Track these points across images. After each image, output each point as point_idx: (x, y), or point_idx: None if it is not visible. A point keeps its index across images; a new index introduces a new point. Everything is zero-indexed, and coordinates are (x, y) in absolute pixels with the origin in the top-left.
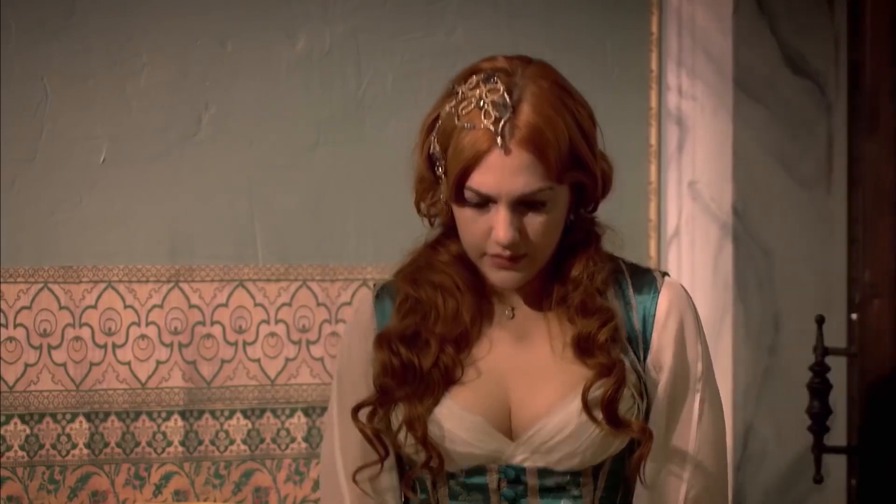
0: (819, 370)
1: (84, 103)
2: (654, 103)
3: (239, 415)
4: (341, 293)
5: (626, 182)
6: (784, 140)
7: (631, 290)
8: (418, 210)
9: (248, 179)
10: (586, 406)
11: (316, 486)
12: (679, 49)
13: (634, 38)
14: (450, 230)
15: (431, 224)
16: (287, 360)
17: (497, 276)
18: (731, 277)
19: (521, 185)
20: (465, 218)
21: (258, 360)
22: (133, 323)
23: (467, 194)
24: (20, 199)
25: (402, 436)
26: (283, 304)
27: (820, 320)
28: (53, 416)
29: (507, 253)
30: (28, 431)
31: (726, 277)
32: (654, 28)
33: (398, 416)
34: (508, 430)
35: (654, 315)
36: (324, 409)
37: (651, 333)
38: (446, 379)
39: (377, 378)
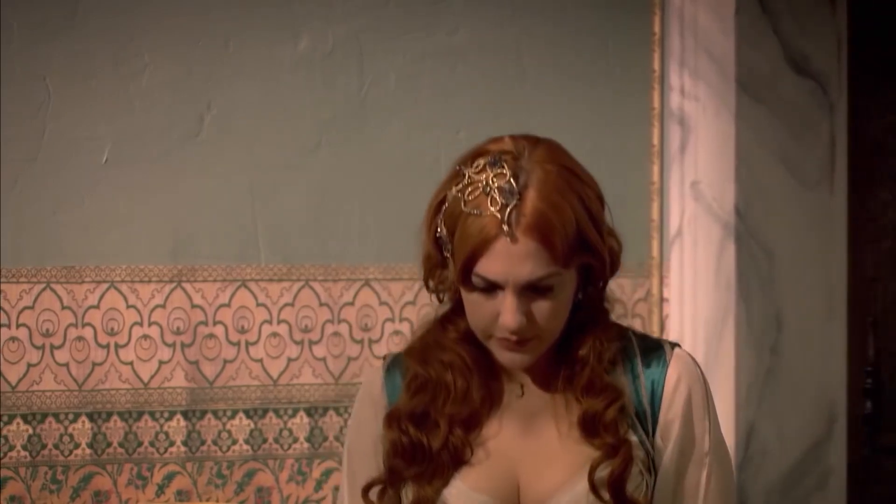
0: (871, 371)
1: (86, 103)
2: (656, 103)
3: (241, 415)
4: (344, 293)
5: (628, 182)
6: (786, 140)
7: (640, 363)
8: (427, 286)
9: (251, 179)
10: (593, 486)
11: (318, 486)
12: (681, 49)
13: (637, 39)
14: (458, 306)
15: (440, 300)
16: (289, 360)
17: (505, 358)
18: (734, 277)
19: (527, 272)
20: (473, 301)
21: (261, 361)
22: (136, 323)
23: (474, 280)
24: (22, 200)
25: None
26: (286, 305)
27: (872, 323)
28: (56, 416)
29: (515, 337)
30: (31, 431)
31: (729, 277)
32: (657, 28)
33: (408, 494)
34: None
35: (663, 388)
36: (326, 409)
37: (659, 407)
38: (455, 460)
39: (387, 457)
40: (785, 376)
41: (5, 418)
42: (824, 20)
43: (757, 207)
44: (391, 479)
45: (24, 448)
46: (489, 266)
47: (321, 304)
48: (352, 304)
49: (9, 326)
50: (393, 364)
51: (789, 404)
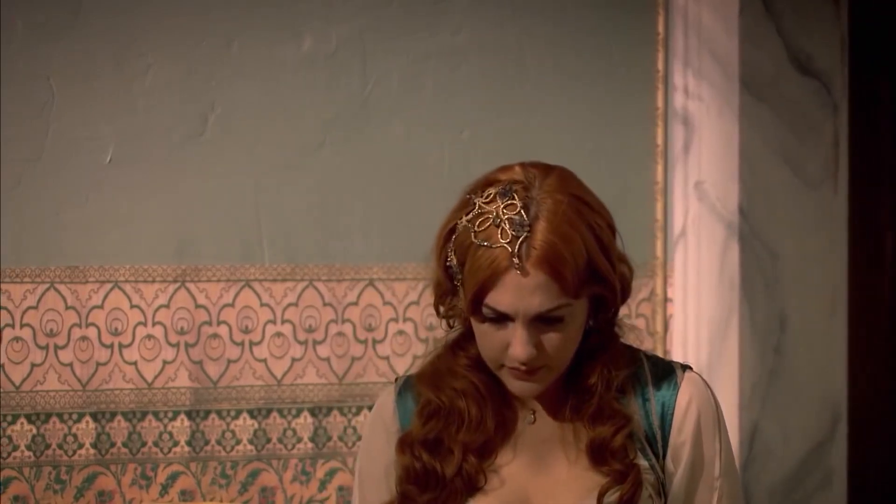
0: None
1: (89, 103)
2: (660, 103)
3: (245, 415)
4: (347, 293)
5: (631, 182)
6: (790, 140)
7: (650, 386)
8: (437, 312)
9: (254, 179)
10: None
11: (322, 486)
12: (685, 49)
13: (640, 39)
14: (469, 332)
15: (450, 326)
16: (293, 360)
17: (516, 387)
18: (738, 278)
19: (537, 304)
20: (483, 332)
21: (264, 360)
22: (139, 323)
23: (484, 311)
24: (26, 199)
25: None
26: (290, 304)
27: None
28: (60, 415)
29: (525, 367)
30: (34, 431)
31: (732, 278)
32: (661, 28)
33: None
34: None
35: (674, 411)
36: (329, 409)
37: (670, 430)
38: (469, 487)
39: (399, 483)
40: (789, 376)
41: (9, 418)
42: (828, 20)
43: (760, 207)
44: None
45: (28, 448)
46: (499, 298)
47: (325, 304)
48: (356, 303)
49: (13, 326)
50: (405, 387)
51: (793, 404)
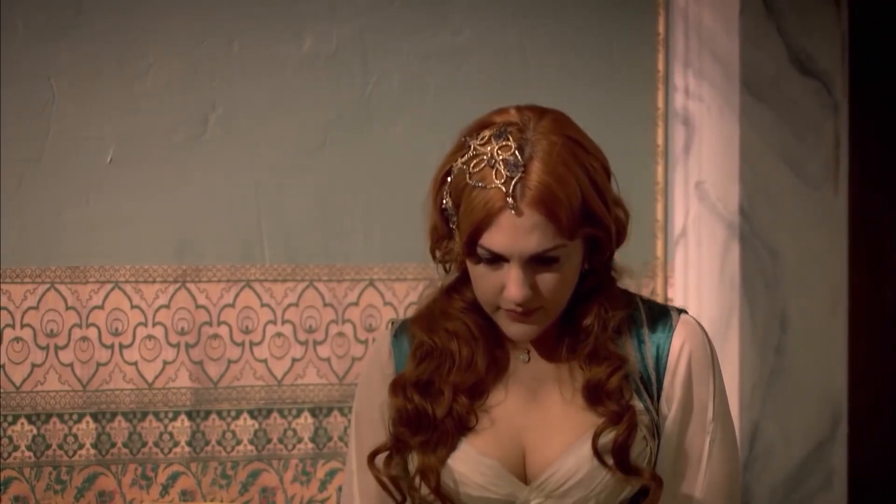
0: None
1: (91, 103)
2: (660, 104)
3: (246, 415)
4: (348, 293)
5: (632, 183)
6: (791, 140)
7: (646, 329)
8: (433, 257)
9: (255, 180)
10: (597, 452)
11: (323, 486)
12: (686, 49)
13: (641, 39)
14: (465, 276)
15: (446, 270)
16: (294, 360)
17: (512, 330)
18: (738, 278)
19: (532, 245)
20: (479, 274)
21: (265, 361)
22: (140, 323)
23: (479, 252)
24: (27, 200)
25: (417, 482)
26: (290, 305)
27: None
28: (60, 416)
29: (521, 309)
30: (35, 432)
31: (733, 278)
32: (661, 28)
33: (413, 461)
34: (523, 475)
35: (668, 353)
36: (330, 410)
37: (664, 372)
38: (460, 427)
39: (392, 424)
40: (789, 376)
41: (10, 418)
42: (828, 20)
43: (761, 207)
44: (397, 447)
45: (29, 448)
46: (494, 239)
47: (325, 305)
48: (356, 304)
49: (13, 327)
50: (400, 330)
51: (794, 404)
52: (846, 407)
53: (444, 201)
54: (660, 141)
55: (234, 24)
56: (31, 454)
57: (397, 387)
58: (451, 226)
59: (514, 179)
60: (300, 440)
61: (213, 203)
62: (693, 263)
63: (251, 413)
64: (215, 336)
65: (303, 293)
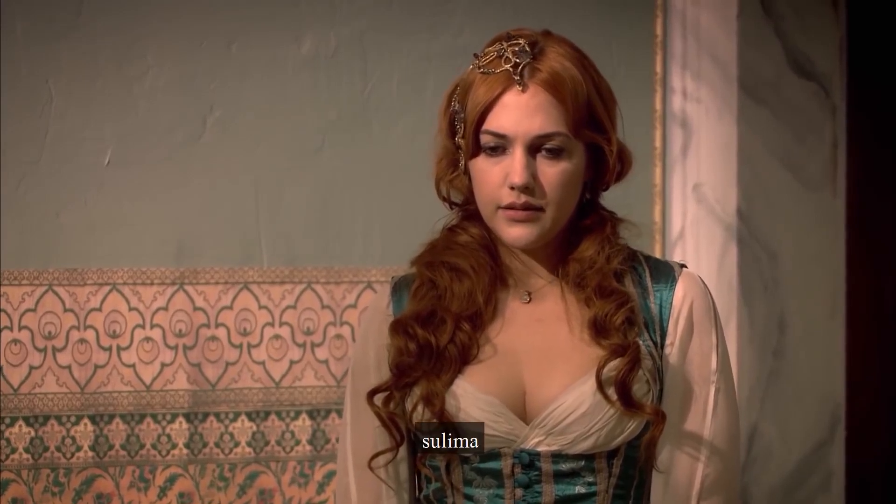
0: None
1: (89, 105)
2: (658, 106)
3: (244, 417)
4: (346, 295)
5: (630, 185)
6: (789, 142)
7: (649, 279)
8: (438, 192)
9: (254, 181)
10: (600, 385)
11: (321, 488)
12: (684, 51)
13: (639, 41)
14: (467, 215)
15: (451, 207)
16: (292, 362)
17: (511, 232)
18: (736, 280)
19: (537, 125)
20: (481, 170)
21: (263, 363)
22: (138, 325)
23: (484, 139)
24: (25, 201)
25: (417, 414)
26: (288, 307)
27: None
28: (58, 418)
29: (522, 199)
30: (33, 434)
31: (731, 280)
32: (659, 30)
33: (413, 399)
34: (523, 413)
35: (671, 304)
36: (328, 412)
37: (668, 321)
38: (462, 356)
39: (394, 361)
40: (788, 378)
41: (7, 421)
42: (827, 22)
43: (759, 209)
44: (398, 383)
45: (27, 451)
46: (498, 119)
47: (323, 307)
48: (354, 306)
49: (11, 329)
50: (401, 282)
51: (792, 406)
52: (844, 409)
53: (453, 104)
54: (658, 143)
55: (233, 26)
56: (29, 456)
57: (398, 325)
58: (458, 128)
59: (523, 64)
60: (298, 442)
61: (212, 205)
62: (691, 265)
63: (249, 415)
64: (213, 338)
65: (301, 295)
